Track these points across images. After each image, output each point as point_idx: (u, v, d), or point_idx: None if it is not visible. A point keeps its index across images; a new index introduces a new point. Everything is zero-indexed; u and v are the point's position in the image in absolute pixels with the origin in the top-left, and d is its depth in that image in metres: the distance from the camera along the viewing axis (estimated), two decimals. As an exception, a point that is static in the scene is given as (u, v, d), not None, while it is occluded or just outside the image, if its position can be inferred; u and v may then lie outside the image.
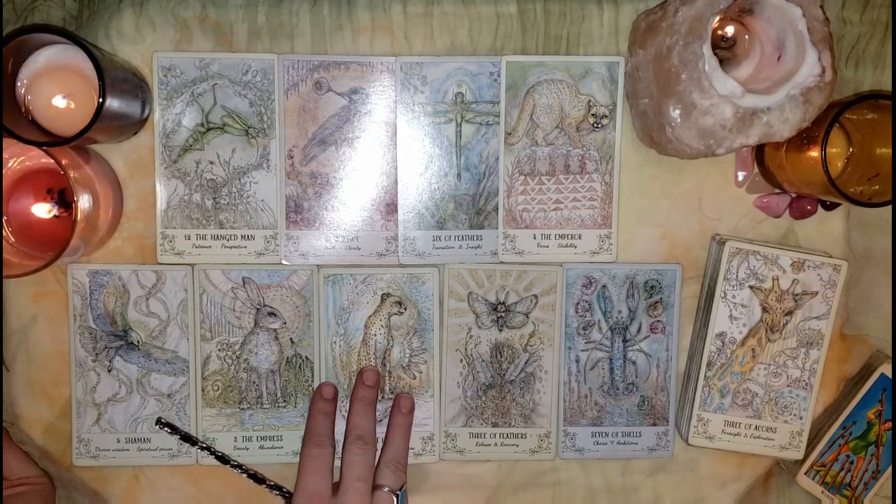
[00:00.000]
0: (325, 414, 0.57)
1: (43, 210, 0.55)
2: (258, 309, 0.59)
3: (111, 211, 0.56)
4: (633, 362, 0.60)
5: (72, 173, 0.50)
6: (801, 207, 0.59)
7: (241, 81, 0.56)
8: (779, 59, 0.52)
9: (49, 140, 0.48)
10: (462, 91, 0.57)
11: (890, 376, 0.58)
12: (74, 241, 0.50)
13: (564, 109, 0.58)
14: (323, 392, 0.58)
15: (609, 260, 0.59)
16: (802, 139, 0.53)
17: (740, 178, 0.60)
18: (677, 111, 0.51)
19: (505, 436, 0.60)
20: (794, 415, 0.59)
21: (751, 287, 0.58)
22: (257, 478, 0.58)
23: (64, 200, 0.55)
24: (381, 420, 0.59)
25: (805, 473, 0.60)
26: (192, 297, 0.58)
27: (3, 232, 0.54)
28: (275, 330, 0.59)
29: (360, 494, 0.53)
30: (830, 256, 0.58)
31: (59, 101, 0.51)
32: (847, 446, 0.59)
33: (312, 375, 0.59)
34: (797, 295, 0.58)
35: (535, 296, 0.59)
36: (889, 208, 0.56)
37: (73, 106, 0.51)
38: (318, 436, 0.55)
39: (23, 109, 0.51)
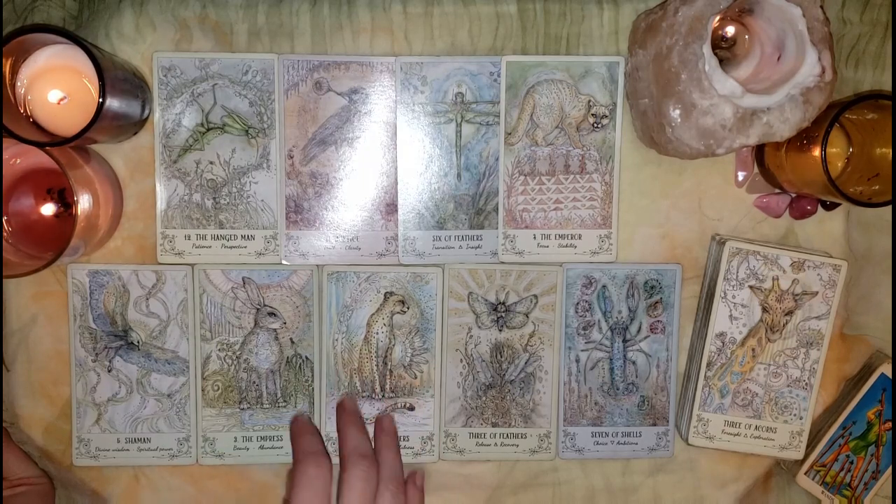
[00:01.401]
0: (311, 433, 0.56)
1: (43, 210, 0.55)
2: (258, 309, 0.59)
3: (111, 211, 0.56)
4: (633, 362, 0.60)
5: (72, 173, 0.50)
6: (801, 207, 0.59)
7: (241, 81, 0.56)
8: (779, 59, 0.52)
9: (49, 140, 0.48)
10: (462, 91, 0.57)
11: (890, 376, 0.58)
12: (74, 241, 0.50)
13: (564, 109, 0.58)
14: (300, 418, 0.58)
15: (609, 260, 0.59)
16: (802, 139, 0.53)
17: (740, 178, 0.60)
18: (677, 111, 0.51)
19: (505, 436, 0.60)
20: (794, 415, 0.59)
21: (751, 287, 0.58)
22: None
23: (64, 200, 0.55)
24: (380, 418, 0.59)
25: (805, 473, 0.60)
26: (192, 297, 0.58)
27: (3, 232, 0.54)
28: (275, 330, 0.59)
29: None
30: (830, 256, 0.58)
31: (55, 95, 0.51)
32: (847, 446, 0.59)
33: (312, 375, 0.59)
34: (797, 295, 0.58)
35: (535, 296, 0.59)
36: (889, 208, 0.56)
37: (67, 100, 0.51)
38: (314, 453, 0.52)
39: (23, 109, 0.51)
